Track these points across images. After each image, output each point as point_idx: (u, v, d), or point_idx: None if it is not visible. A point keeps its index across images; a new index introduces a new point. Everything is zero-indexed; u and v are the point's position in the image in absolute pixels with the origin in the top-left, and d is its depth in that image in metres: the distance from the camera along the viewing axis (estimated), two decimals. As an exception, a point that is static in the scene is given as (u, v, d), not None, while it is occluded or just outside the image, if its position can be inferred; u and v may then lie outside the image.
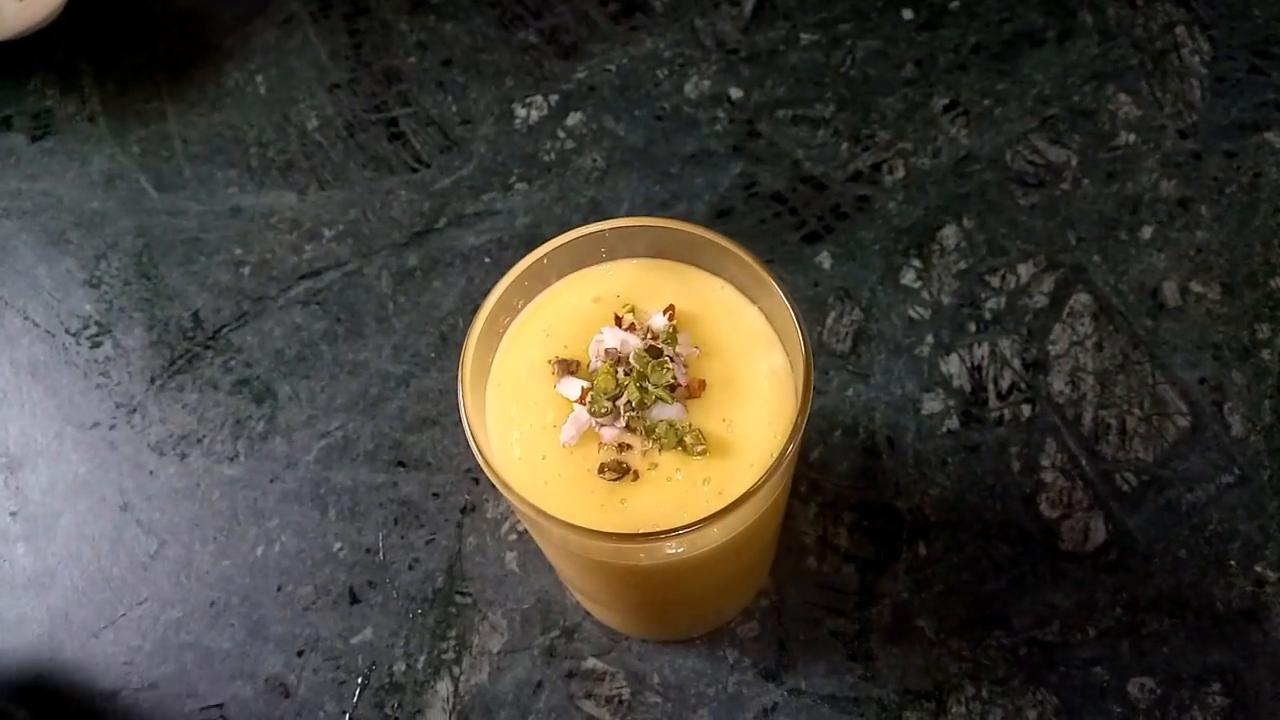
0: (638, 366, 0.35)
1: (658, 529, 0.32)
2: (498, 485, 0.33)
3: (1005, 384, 0.51)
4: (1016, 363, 0.51)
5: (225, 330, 0.54)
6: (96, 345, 0.55)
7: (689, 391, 0.35)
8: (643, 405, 0.34)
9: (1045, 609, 0.46)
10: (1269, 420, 0.49)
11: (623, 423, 0.35)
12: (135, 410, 0.53)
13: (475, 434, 0.33)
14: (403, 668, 0.46)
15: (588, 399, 0.35)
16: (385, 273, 0.55)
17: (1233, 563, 0.46)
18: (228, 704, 0.46)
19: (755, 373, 0.36)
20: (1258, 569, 0.46)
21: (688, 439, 0.34)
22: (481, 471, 0.49)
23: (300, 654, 0.47)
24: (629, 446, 0.35)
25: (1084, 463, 0.49)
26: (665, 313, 0.36)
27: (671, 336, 0.36)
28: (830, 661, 0.46)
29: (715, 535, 0.34)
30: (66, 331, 0.55)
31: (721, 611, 0.46)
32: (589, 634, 0.47)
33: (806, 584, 0.47)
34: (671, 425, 0.34)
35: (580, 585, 0.43)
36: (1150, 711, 0.44)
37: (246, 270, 0.56)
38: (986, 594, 0.46)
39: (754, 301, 0.37)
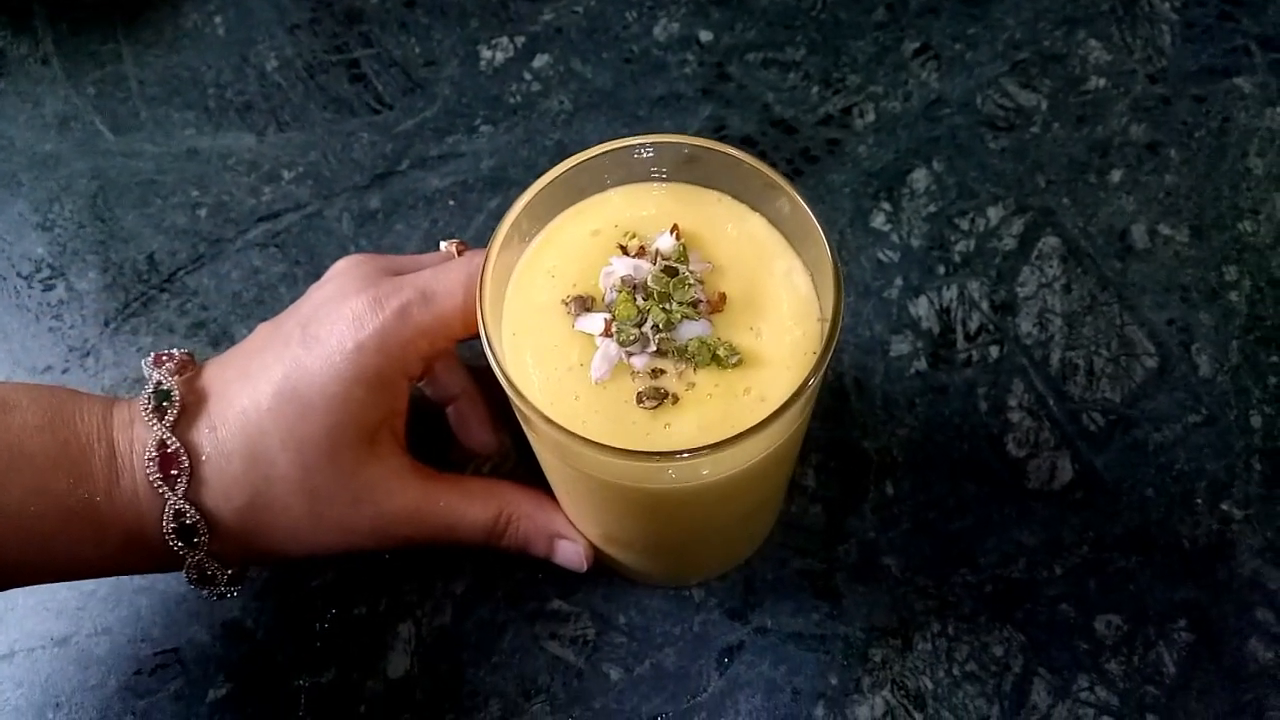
0: (657, 288, 0.34)
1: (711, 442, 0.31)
2: (541, 424, 0.32)
3: (974, 326, 0.50)
4: (985, 305, 0.51)
5: (181, 273, 0.53)
6: (49, 289, 0.53)
7: (711, 307, 0.35)
8: (669, 325, 0.34)
9: (1012, 547, 0.46)
10: (1236, 360, 0.49)
11: (653, 347, 0.34)
12: (89, 354, 0.51)
13: (510, 376, 0.33)
14: (364, 610, 0.46)
15: (612, 330, 0.34)
16: (346, 215, 0.54)
17: (1199, 501, 0.46)
18: (183, 648, 0.45)
19: (771, 278, 0.36)
20: (1224, 507, 0.46)
21: (720, 352, 0.34)
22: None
23: (258, 597, 0.46)
24: (662, 372, 0.34)
25: (1051, 403, 0.48)
26: (672, 232, 0.36)
27: (683, 255, 0.35)
28: (796, 600, 0.45)
29: (762, 444, 0.33)
30: (18, 275, 0.54)
31: (735, 551, 0.45)
32: (553, 575, 0.46)
33: (773, 524, 0.46)
34: (702, 341, 0.34)
35: (613, 528, 0.41)
36: (1117, 648, 0.44)
37: (203, 212, 0.54)
38: (953, 532, 0.46)
39: (755, 208, 0.37)
